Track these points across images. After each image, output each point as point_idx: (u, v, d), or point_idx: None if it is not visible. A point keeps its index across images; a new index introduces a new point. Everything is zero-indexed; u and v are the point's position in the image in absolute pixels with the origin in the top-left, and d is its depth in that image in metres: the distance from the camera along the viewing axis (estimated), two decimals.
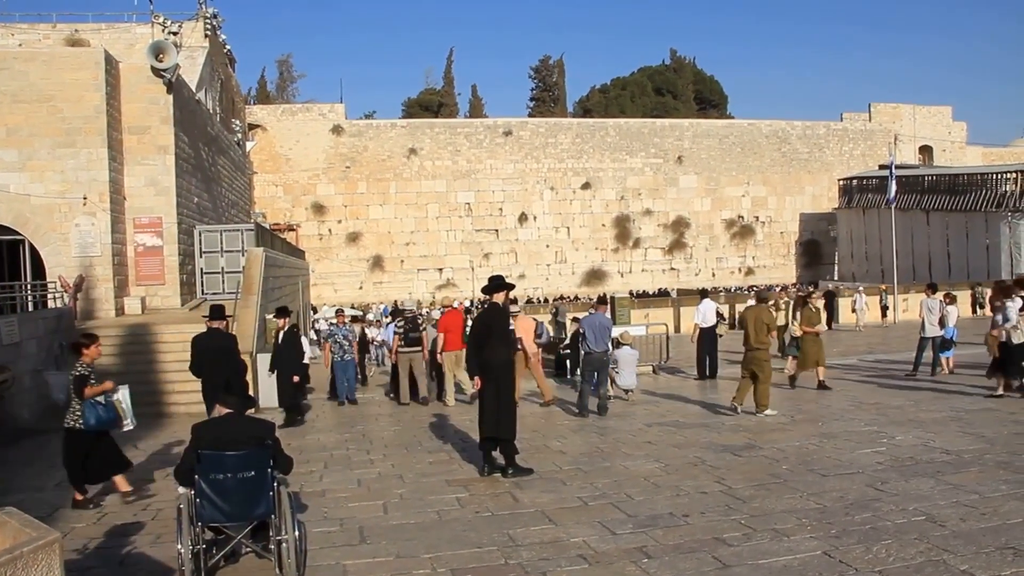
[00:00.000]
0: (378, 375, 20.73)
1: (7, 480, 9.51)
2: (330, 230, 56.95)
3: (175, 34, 26.73)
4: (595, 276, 59.65)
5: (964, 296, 30.14)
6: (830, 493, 7.08)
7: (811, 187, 63.91)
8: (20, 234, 20.44)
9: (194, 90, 28.00)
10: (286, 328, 13.64)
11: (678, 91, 74.59)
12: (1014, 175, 46.07)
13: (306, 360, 17.73)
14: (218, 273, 23.54)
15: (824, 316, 22.62)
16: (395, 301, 46.77)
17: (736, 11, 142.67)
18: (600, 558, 5.72)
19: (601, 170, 60.31)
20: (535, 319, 15.26)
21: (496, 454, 8.53)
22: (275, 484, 5.56)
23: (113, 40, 30.87)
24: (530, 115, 71.36)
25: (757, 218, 63.01)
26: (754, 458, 8.75)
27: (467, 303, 36.33)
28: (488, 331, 8.60)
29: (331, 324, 17.94)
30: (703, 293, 19.01)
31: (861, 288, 34.34)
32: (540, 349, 14.70)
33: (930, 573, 5.09)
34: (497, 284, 8.80)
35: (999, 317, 12.18)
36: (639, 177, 60.93)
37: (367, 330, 22.02)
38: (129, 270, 22.02)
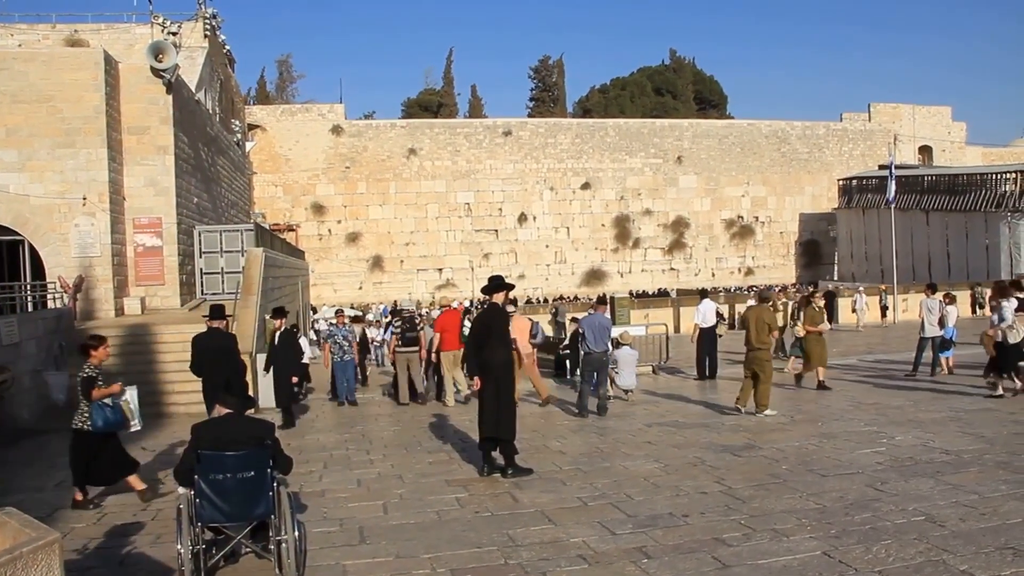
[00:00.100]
0: (378, 375, 20.73)
1: (7, 480, 9.51)
2: (330, 230, 56.96)
3: (174, 34, 26.71)
4: (595, 276, 59.66)
5: (964, 296, 30.15)
6: (830, 493, 7.08)
7: (811, 187, 63.93)
8: (20, 234, 20.43)
9: (194, 90, 28.00)
10: (282, 329, 13.58)
11: (678, 91, 74.60)
12: (1014, 175, 46.09)
13: (305, 360, 17.77)
14: (218, 273, 23.53)
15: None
16: (394, 301, 46.80)
17: (736, 11, 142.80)
18: (600, 558, 5.72)
19: (601, 170, 60.32)
20: (530, 319, 15.25)
21: (496, 454, 8.53)
22: (275, 484, 5.56)
23: (112, 40, 30.87)
24: (530, 115, 71.39)
25: (757, 218, 63.03)
26: (754, 458, 8.75)
27: (467, 303, 36.34)
28: (487, 331, 8.60)
29: (331, 325, 17.92)
30: (703, 293, 19.01)
31: (861, 288, 34.35)
32: (535, 349, 14.69)
33: (930, 573, 5.10)
34: (497, 284, 8.80)
35: (995, 317, 12.23)
36: (639, 177, 60.94)
37: (367, 330, 22.03)
38: (129, 270, 22.02)
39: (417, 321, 16.11)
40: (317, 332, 30.78)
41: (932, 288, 16.17)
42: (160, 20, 29.04)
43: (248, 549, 5.81)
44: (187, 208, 24.31)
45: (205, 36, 34.38)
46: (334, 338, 15.55)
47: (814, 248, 63.28)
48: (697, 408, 12.83)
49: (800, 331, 14.79)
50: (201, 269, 23.61)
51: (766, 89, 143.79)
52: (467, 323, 15.83)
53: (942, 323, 14.96)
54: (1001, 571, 5.06)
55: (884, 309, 33.48)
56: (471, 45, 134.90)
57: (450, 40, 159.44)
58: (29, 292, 19.32)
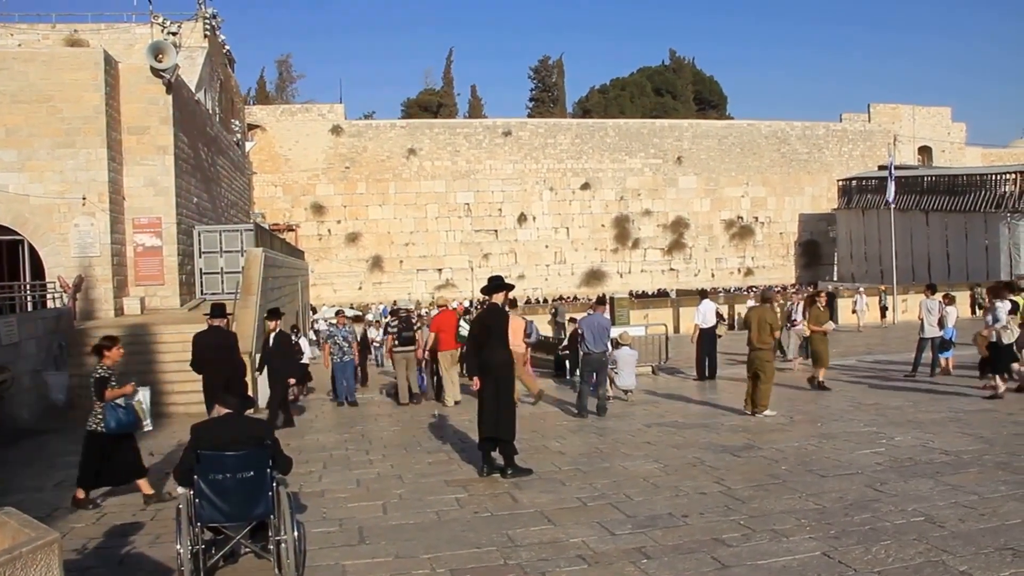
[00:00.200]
0: (378, 375, 20.73)
1: (6, 480, 9.51)
2: (329, 230, 56.96)
3: (174, 34, 26.70)
4: (594, 276, 59.66)
5: (963, 297, 30.14)
6: (829, 494, 7.08)
7: (810, 188, 63.96)
8: (19, 234, 20.43)
9: (193, 90, 28.00)
10: (277, 331, 13.50)
11: (677, 91, 74.64)
12: (1013, 176, 46.10)
13: (305, 360, 17.78)
14: (217, 273, 23.52)
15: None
16: (393, 301, 46.85)
17: (735, 11, 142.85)
18: (599, 558, 5.72)
19: (600, 171, 60.33)
20: (524, 318, 15.26)
21: (495, 454, 8.53)
22: (274, 484, 5.56)
23: (112, 40, 30.85)
24: (529, 115, 71.42)
25: (756, 219, 63.04)
26: (753, 459, 8.75)
27: (466, 303, 36.34)
28: (487, 331, 8.60)
29: (331, 325, 17.92)
30: (702, 293, 19.01)
31: (861, 289, 34.37)
32: (529, 349, 14.70)
33: (929, 574, 5.10)
34: (496, 284, 8.80)
35: (989, 318, 12.28)
36: (638, 178, 60.96)
37: (368, 330, 22.04)
38: (128, 270, 22.01)
39: (414, 321, 16.14)
40: (317, 332, 30.78)
41: (932, 289, 16.18)
42: (160, 20, 29.02)
43: (247, 549, 5.81)
44: (187, 208, 24.30)
45: (205, 36, 34.37)
46: (334, 339, 15.55)
47: (814, 249, 63.30)
48: (697, 408, 12.83)
49: (805, 330, 14.81)
50: (201, 269, 23.61)
51: (766, 89, 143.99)
52: (464, 323, 15.88)
53: (941, 324, 14.97)
54: (1001, 572, 5.05)
55: (884, 310, 33.49)
56: (471, 45, 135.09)
57: (450, 40, 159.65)
58: (29, 292, 19.32)
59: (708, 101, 77.39)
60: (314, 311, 42.64)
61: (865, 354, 20.31)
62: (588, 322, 12.79)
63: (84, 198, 20.33)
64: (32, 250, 20.52)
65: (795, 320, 18.44)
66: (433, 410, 13.83)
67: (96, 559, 6.37)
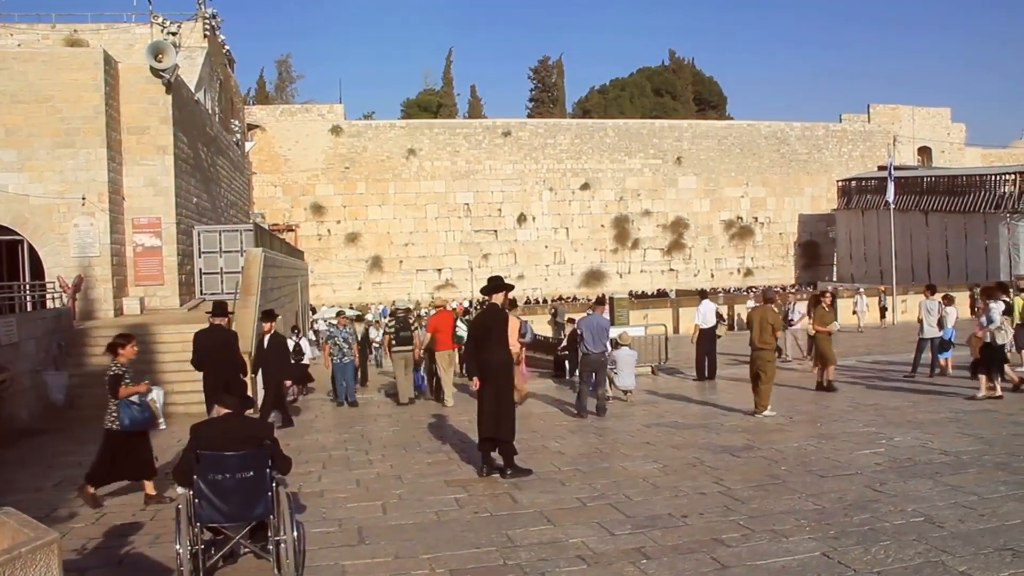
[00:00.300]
0: (378, 376, 20.74)
1: (5, 480, 9.50)
2: (329, 230, 56.95)
3: (174, 34, 26.66)
4: (594, 277, 59.67)
5: (963, 297, 30.13)
6: (829, 494, 7.08)
7: (810, 188, 63.98)
8: (19, 234, 20.41)
9: (193, 90, 27.99)
10: (272, 332, 13.41)
11: (677, 92, 74.66)
12: (1013, 176, 46.11)
13: (306, 360, 17.78)
14: (217, 273, 23.48)
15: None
16: (392, 302, 46.83)
17: (735, 12, 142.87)
18: (599, 559, 5.72)
19: (600, 171, 60.34)
20: (519, 318, 15.27)
21: (495, 455, 8.53)
22: (274, 484, 5.56)
23: (112, 40, 30.82)
24: (529, 116, 71.45)
25: (756, 219, 63.06)
26: (753, 459, 8.75)
27: (466, 304, 36.34)
28: (487, 332, 8.60)
29: (331, 326, 17.91)
30: (702, 294, 19.02)
31: (861, 289, 34.38)
32: (523, 348, 14.71)
33: (928, 574, 5.10)
34: (496, 285, 8.80)
35: (983, 319, 12.31)
36: (638, 178, 60.97)
37: (369, 330, 22.05)
38: (128, 270, 22.00)
39: (411, 321, 16.15)
40: (316, 332, 30.77)
41: (931, 289, 16.19)
42: (160, 20, 28.99)
43: (247, 549, 5.80)
44: (186, 208, 24.29)
45: (205, 36, 34.35)
46: (334, 339, 15.54)
47: (813, 249, 63.31)
48: (696, 409, 12.83)
49: (810, 329, 14.83)
50: (200, 269, 23.57)
51: (765, 90, 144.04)
52: (461, 324, 15.90)
53: (941, 324, 14.97)
54: (1000, 572, 5.06)
55: (883, 310, 33.50)
56: (470, 45, 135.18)
57: (449, 40, 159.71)
58: (28, 292, 19.30)
59: (708, 101, 77.43)
60: (314, 311, 42.64)
61: (865, 354, 20.31)
62: (587, 322, 12.80)
63: (84, 198, 20.32)
64: (32, 250, 20.51)
65: (792, 320, 18.47)
66: (432, 410, 13.82)
67: (95, 559, 6.37)
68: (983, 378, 12.14)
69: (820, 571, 5.25)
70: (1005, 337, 12.11)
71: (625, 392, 13.89)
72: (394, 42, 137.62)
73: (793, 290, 39.42)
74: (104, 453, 8.00)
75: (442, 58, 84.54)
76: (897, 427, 10.14)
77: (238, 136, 41.89)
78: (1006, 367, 12.22)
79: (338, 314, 17.92)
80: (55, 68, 20.64)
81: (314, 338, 27.98)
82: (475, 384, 8.69)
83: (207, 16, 34.87)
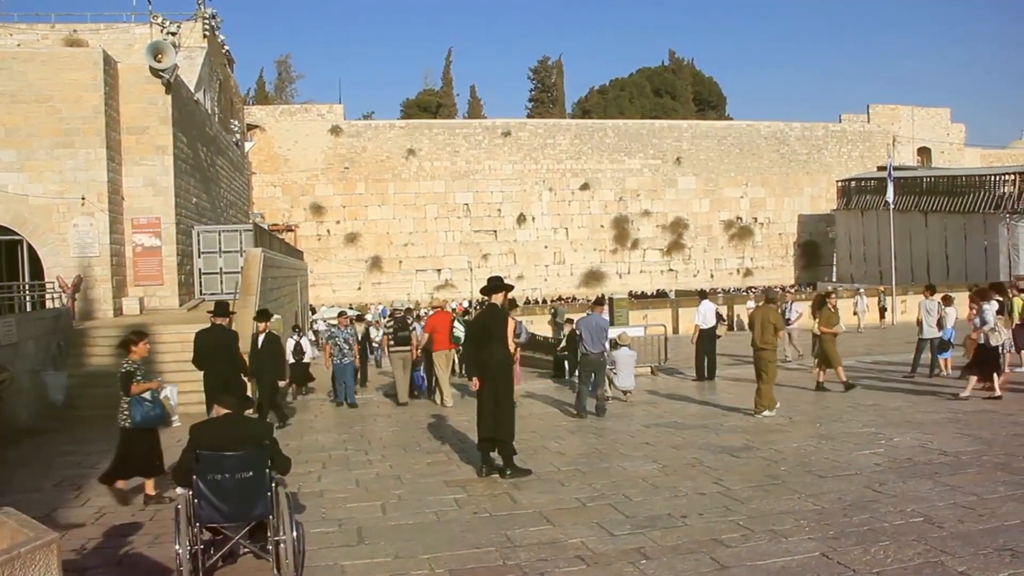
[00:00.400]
0: (377, 376, 20.73)
1: (5, 480, 9.49)
2: (328, 231, 56.94)
3: (174, 34, 26.66)
4: (593, 277, 59.68)
5: (962, 298, 30.09)
6: (828, 494, 7.08)
7: (809, 188, 63.99)
8: (18, 234, 20.41)
9: (193, 90, 27.98)
10: (266, 332, 13.31)
11: (677, 92, 74.66)
12: (1012, 177, 46.09)
13: (307, 359, 17.82)
14: (216, 273, 23.50)
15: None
16: (391, 302, 46.86)
17: (735, 12, 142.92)
18: (598, 559, 5.72)
19: (600, 171, 60.34)
20: (514, 319, 15.26)
21: (494, 455, 8.53)
22: (273, 484, 5.56)
23: (112, 40, 30.83)
24: (529, 116, 71.45)
25: (755, 219, 63.07)
26: (752, 459, 8.76)
27: (465, 304, 36.37)
28: (486, 332, 8.60)
29: (331, 326, 17.91)
30: (702, 294, 19.03)
31: (862, 290, 34.38)
32: (519, 349, 14.70)
33: (928, 574, 5.10)
34: (496, 285, 8.81)
35: (977, 320, 12.32)
36: (637, 178, 60.97)
37: (370, 330, 22.04)
38: (127, 270, 21.99)
39: (409, 321, 16.15)
40: (316, 333, 30.77)
41: (931, 290, 16.19)
42: (159, 20, 29.00)
43: (246, 549, 5.80)
44: (186, 208, 24.29)
45: (204, 36, 34.35)
46: (335, 339, 15.52)
47: (813, 249, 63.32)
48: (696, 409, 12.83)
49: (816, 330, 14.85)
50: (200, 269, 23.59)
51: (765, 90, 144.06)
52: (458, 325, 15.90)
53: (940, 325, 14.98)
54: (999, 572, 5.06)
55: (883, 310, 33.50)
56: (470, 45, 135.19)
57: (449, 40, 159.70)
58: (28, 292, 19.30)
59: (707, 102, 77.44)
60: (313, 311, 42.63)
61: (864, 355, 20.31)
62: (586, 323, 12.80)
63: (83, 198, 20.32)
64: (31, 250, 20.51)
65: (788, 319, 18.51)
66: (431, 410, 13.82)
67: (95, 559, 6.36)
68: (972, 379, 12.16)
69: (819, 571, 5.25)
70: (999, 338, 12.12)
71: (624, 392, 13.89)
72: (394, 42, 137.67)
73: (792, 290, 39.43)
74: (119, 449, 8.01)
75: (442, 58, 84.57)
76: (896, 427, 10.14)
77: (238, 136, 41.88)
78: (995, 375, 12.17)
79: (340, 314, 17.88)
80: (54, 68, 20.64)
81: (313, 338, 27.97)
82: (474, 384, 8.69)
83: (207, 16, 34.88)
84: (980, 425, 10.00)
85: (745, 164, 62.69)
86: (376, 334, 23.80)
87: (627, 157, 60.84)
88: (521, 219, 59.06)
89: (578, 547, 6.00)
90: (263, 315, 13.75)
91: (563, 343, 17.96)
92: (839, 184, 59.34)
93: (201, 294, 23.26)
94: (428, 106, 71.08)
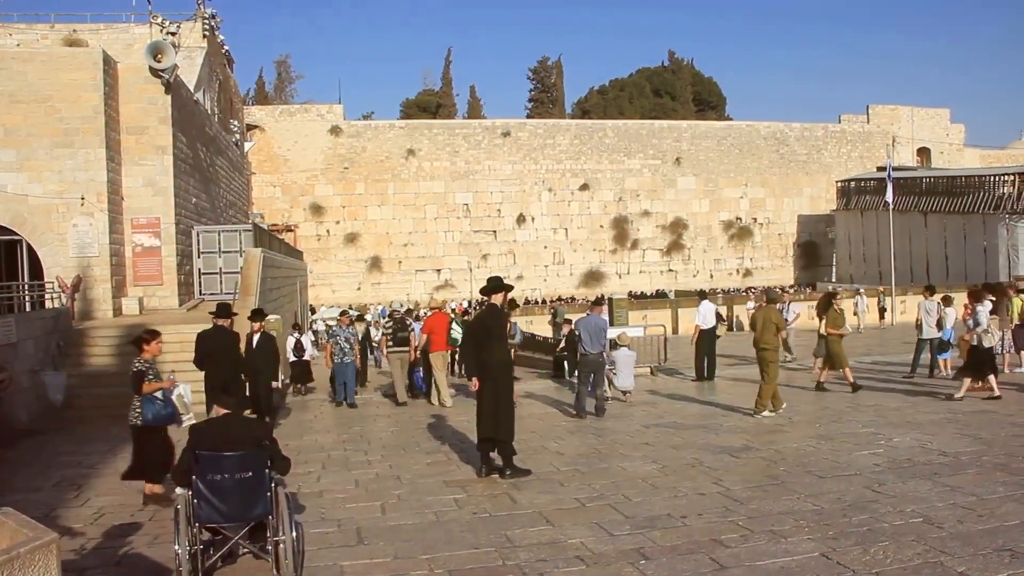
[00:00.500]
0: (376, 376, 20.73)
1: (4, 480, 9.49)
2: (328, 231, 56.94)
3: (173, 34, 26.66)
4: (593, 277, 59.68)
5: (961, 298, 30.10)
6: (827, 495, 7.08)
7: (809, 189, 64.01)
8: (18, 234, 20.40)
9: (192, 90, 27.97)
10: (260, 332, 13.20)
11: (676, 92, 74.67)
12: (1012, 177, 46.12)
13: (306, 357, 17.79)
14: (216, 274, 23.48)
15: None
16: (390, 303, 46.86)
17: (734, 12, 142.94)
18: (598, 559, 5.72)
19: (599, 171, 60.35)
20: (507, 319, 15.26)
21: (494, 455, 8.53)
22: (273, 485, 5.56)
23: (111, 40, 30.82)
24: (528, 116, 71.46)
25: (755, 220, 63.08)
26: (752, 460, 8.76)
27: (465, 304, 36.37)
28: (486, 332, 8.60)
29: (332, 325, 17.90)
30: (701, 294, 19.04)
31: (861, 290, 34.39)
32: (514, 350, 14.69)
33: (927, 575, 5.10)
34: (495, 285, 8.81)
35: (970, 321, 12.33)
36: (637, 178, 60.98)
37: (370, 330, 22.03)
38: (127, 270, 21.99)
39: (408, 322, 16.14)
40: (315, 333, 30.76)
41: (930, 290, 16.21)
42: (159, 20, 29.01)
43: (246, 550, 5.80)
44: (185, 208, 24.29)
45: (204, 36, 34.35)
46: (336, 338, 15.49)
47: (812, 250, 63.33)
48: (695, 409, 12.83)
49: (822, 331, 14.86)
50: (199, 269, 23.58)
51: (765, 90, 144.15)
52: (456, 327, 15.89)
53: (940, 325, 14.98)
54: (999, 573, 5.06)
55: (882, 311, 33.51)
56: (470, 46, 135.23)
57: (449, 40, 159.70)
58: (27, 292, 19.29)
59: (707, 102, 77.45)
60: (313, 311, 42.63)
61: (864, 355, 20.31)
62: (584, 323, 12.80)
63: (83, 198, 20.31)
64: (30, 250, 20.49)
65: (786, 320, 18.52)
66: (431, 410, 13.82)
67: (94, 559, 6.36)
68: (967, 380, 12.17)
69: (819, 572, 5.25)
70: (992, 340, 12.13)
71: (624, 392, 13.89)
72: (393, 42, 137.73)
73: (791, 290, 39.44)
74: (135, 449, 8.01)
75: (441, 58, 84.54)
76: (896, 428, 10.14)
77: (237, 136, 41.89)
78: (990, 377, 12.17)
79: (341, 313, 17.86)
80: (54, 68, 20.63)
81: (313, 338, 27.96)
82: (474, 385, 8.69)
83: (206, 16, 34.88)
84: (979, 425, 10.00)
85: (745, 164, 62.71)
86: (376, 334, 23.79)
87: (627, 157, 60.85)
88: (521, 219, 59.07)
89: (577, 547, 5.99)
90: (257, 315, 13.69)
91: (562, 343, 17.97)
92: (839, 184, 59.36)
93: (201, 294, 23.25)
94: (428, 106, 71.09)
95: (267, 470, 5.56)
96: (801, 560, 5.47)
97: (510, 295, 10.06)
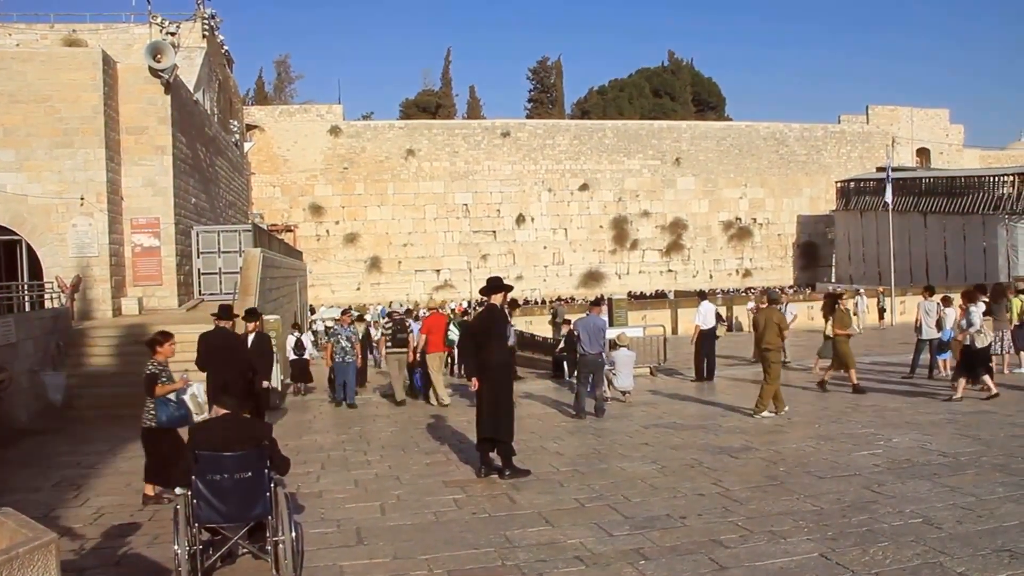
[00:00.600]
0: (375, 376, 20.71)
1: (4, 480, 9.48)
2: (328, 231, 56.94)
3: (173, 34, 26.68)
4: (593, 278, 59.69)
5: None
6: (827, 495, 7.08)
7: (809, 189, 64.03)
8: (17, 234, 20.40)
9: (192, 90, 27.97)
10: (256, 331, 13.21)
11: (676, 93, 74.69)
12: (1011, 178, 46.16)
13: (306, 356, 17.75)
14: (215, 274, 23.48)
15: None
16: (390, 303, 46.86)
17: (734, 13, 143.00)
18: (597, 560, 5.72)
19: (599, 172, 60.36)
20: None
21: (493, 455, 8.53)
22: (272, 485, 5.56)
23: (111, 40, 30.83)
24: (528, 116, 71.48)
25: (755, 220, 63.10)
26: (751, 460, 8.75)
27: (465, 305, 36.37)
28: (486, 332, 8.60)
29: (334, 323, 17.87)
30: (701, 295, 19.04)
31: (861, 291, 34.40)
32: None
33: (927, 575, 5.10)
34: (495, 285, 8.80)
35: (963, 322, 12.33)
36: (637, 179, 60.99)
37: (370, 330, 22.01)
38: (126, 270, 21.98)
39: (407, 323, 16.12)
40: (315, 333, 30.75)
41: (930, 290, 16.20)
42: (158, 20, 29.01)
43: (245, 550, 5.80)
44: (185, 208, 24.28)
45: (203, 36, 34.36)
46: (337, 337, 15.44)
47: (812, 250, 63.36)
48: (695, 409, 12.83)
49: (829, 332, 14.87)
50: (199, 270, 23.57)
51: (764, 91, 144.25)
52: (453, 328, 15.88)
53: (939, 325, 14.98)
54: (998, 573, 5.06)
55: (882, 311, 33.51)
56: (469, 46, 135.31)
57: (448, 40, 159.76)
58: (26, 292, 19.28)
59: (706, 102, 77.47)
60: (312, 312, 42.61)
61: (863, 355, 20.30)
62: (583, 323, 12.80)
63: (82, 198, 20.30)
64: (30, 250, 20.49)
65: None
66: (430, 411, 13.82)
67: (93, 559, 6.36)
68: (962, 381, 12.17)
69: (818, 572, 5.25)
70: (984, 340, 12.14)
71: (623, 393, 13.88)
72: (393, 42, 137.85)
73: (791, 291, 39.45)
74: (147, 450, 8.01)
75: (441, 58, 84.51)
76: (895, 428, 10.14)
77: (237, 136, 41.89)
78: (985, 378, 12.17)
79: (343, 312, 17.82)
80: (53, 68, 20.63)
81: (313, 339, 27.94)
82: (474, 385, 8.69)
83: (206, 16, 34.89)
84: (979, 426, 10.00)
85: (744, 165, 62.73)
86: (376, 334, 23.77)
87: (626, 158, 60.86)
88: (520, 220, 59.08)
89: (577, 548, 5.99)
90: (252, 315, 13.63)
91: (561, 344, 17.97)
92: (838, 185, 59.39)
93: (200, 294, 23.24)
94: (427, 106, 71.09)
95: (266, 470, 5.56)
96: (800, 560, 5.47)
97: (511, 295, 10.04)
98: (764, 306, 12.63)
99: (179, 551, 5.29)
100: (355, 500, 7.80)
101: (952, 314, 15.33)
